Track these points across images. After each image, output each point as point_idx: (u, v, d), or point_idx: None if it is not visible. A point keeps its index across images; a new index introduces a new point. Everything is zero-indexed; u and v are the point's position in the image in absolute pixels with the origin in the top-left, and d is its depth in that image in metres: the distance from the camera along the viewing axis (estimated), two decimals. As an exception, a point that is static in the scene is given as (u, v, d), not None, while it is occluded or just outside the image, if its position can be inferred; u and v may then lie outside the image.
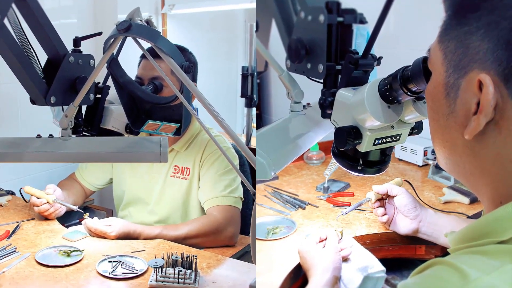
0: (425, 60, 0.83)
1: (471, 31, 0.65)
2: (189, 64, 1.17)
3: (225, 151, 1.66)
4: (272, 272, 1.45)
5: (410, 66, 0.88)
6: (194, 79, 2.01)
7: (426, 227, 1.59)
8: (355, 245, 1.53)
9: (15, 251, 1.66)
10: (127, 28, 1.03)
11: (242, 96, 2.75)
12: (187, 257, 1.53)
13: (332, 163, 2.07)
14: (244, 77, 2.69)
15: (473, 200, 1.92)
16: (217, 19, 3.70)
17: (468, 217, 1.81)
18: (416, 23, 2.56)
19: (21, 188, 1.97)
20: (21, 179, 2.55)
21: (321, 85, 1.04)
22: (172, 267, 1.50)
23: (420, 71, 0.85)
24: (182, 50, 1.94)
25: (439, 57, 0.72)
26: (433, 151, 2.34)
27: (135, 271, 1.54)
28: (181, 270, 1.48)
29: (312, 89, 1.14)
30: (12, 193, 2.20)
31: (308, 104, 1.20)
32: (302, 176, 2.32)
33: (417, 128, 1.04)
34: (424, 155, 2.38)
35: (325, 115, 1.02)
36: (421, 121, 1.02)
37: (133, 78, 1.75)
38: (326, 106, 1.01)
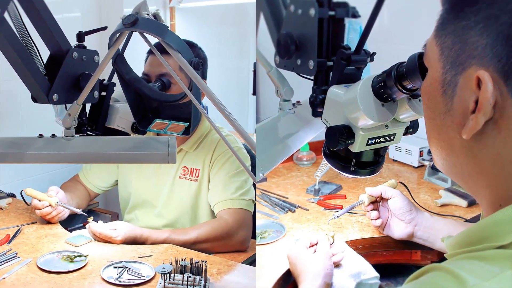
0: (420, 56, 0.83)
1: (469, 26, 0.65)
2: (198, 60, 1.17)
3: (236, 151, 1.65)
4: (260, 278, 1.46)
5: (405, 62, 0.89)
6: (203, 76, 2.01)
7: (422, 231, 1.60)
8: (347, 250, 1.54)
9: (15, 256, 1.66)
10: (133, 23, 1.03)
11: (254, 93, 2.75)
12: (196, 262, 1.53)
13: (323, 164, 2.09)
14: (256, 74, 2.69)
15: (471, 203, 1.93)
16: (227, 13, 3.70)
17: (466, 220, 1.83)
18: (411, 17, 2.57)
19: (22, 190, 1.98)
20: (22, 181, 2.56)
21: (312, 82, 1.04)
22: (181, 273, 1.50)
23: (415, 67, 0.85)
24: (191, 45, 1.94)
25: (435, 53, 0.72)
26: (429, 152, 2.35)
27: (142, 278, 1.55)
28: (190, 276, 1.48)
29: (302, 87, 1.14)
30: (13, 196, 2.21)
31: (298, 102, 1.20)
32: (291, 178, 2.33)
33: (412, 128, 1.04)
34: (420, 156, 2.39)
35: (316, 113, 1.03)
36: (417, 120, 1.03)
37: (140, 74, 1.76)
38: (317, 104, 1.01)
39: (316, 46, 0.97)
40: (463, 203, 1.94)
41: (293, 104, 1.19)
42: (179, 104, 1.41)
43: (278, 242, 1.69)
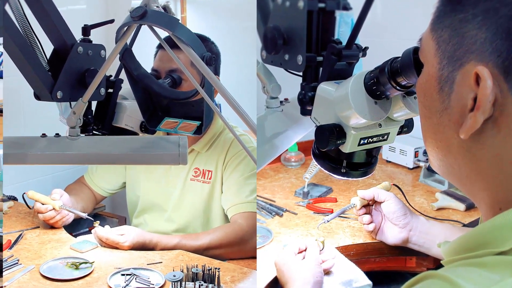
0: (416, 50, 0.83)
1: (467, 19, 0.65)
2: (211, 55, 1.17)
3: (251, 151, 1.65)
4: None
5: (399, 57, 0.88)
6: (216, 72, 2.01)
7: (417, 237, 1.61)
8: (338, 257, 1.55)
9: (17, 263, 1.67)
10: (142, 15, 1.03)
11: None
12: (208, 269, 1.53)
13: (312, 166, 2.11)
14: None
15: (470, 207, 1.94)
16: (241, 6, 3.70)
17: (464, 225, 1.84)
18: (405, 9, 2.56)
19: (24, 193, 2.00)
20: (25, 183, 2.57)
21: (301, 78, 1.04)
22: (192, 281, 1.50)
23: (410, 63, 0.85)
24: (204, 39, 1.93)
25: (431, 48, 0.72)
26: (424, 152, 2.37)
27: (151, 286, 1.55)
28: (202, 284, 1.49)
29: (290, 83, 1.14)
30: (15, 199, 2.22)
31: (286, 99, 1.22)
32: (279, 180, 2.35)
33: (407, 127, 1.05)
34: (415, 157, 2.40)
35: (305, 111, 1.03)
36: (412, 118, 1.03)
37: (149, 70, 1.76)
38: (306, 101, 1.01)
39: (305, 40, 0.97)
40: (461, 206, 1.95)
41: (281, 102, 1.20)
42: (191, 101, 1.40)
43: (265, 248, 1.71)
